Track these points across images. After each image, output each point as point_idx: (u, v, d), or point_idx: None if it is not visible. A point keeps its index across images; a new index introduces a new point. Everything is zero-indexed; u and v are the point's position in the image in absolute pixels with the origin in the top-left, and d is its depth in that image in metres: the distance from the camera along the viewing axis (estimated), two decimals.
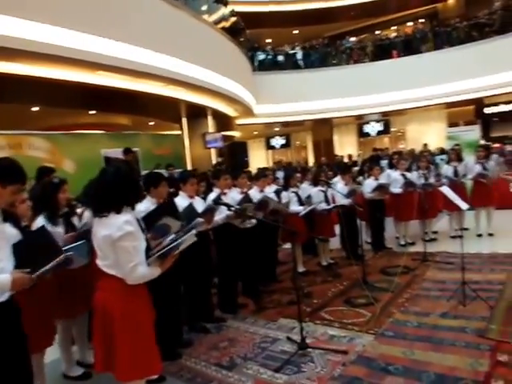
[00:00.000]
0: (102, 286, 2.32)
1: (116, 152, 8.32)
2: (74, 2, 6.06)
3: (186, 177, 4.33)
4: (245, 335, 4.00)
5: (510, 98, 15.34)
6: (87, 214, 3.60)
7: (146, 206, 3.53)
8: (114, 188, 2.27)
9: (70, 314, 3.37)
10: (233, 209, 4.00)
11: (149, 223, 2.66)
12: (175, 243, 2.30)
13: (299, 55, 16.76)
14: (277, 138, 21.28)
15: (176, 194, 4.32)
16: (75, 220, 3.56)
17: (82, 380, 3.39)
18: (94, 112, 11.02)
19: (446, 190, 4.80)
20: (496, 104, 15.91)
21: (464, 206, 4.61)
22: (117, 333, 2.20)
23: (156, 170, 7.43)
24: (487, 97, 15.17)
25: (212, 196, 4.52)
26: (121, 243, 2.19)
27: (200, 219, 3.90)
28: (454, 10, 18.03)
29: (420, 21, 18.70)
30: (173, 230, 2.51)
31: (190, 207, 3.88)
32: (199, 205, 4.23)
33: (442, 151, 11.08)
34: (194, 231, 2.40)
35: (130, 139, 10.70)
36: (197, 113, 11.60)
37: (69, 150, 8.65)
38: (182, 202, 4.02)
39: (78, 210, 3.74)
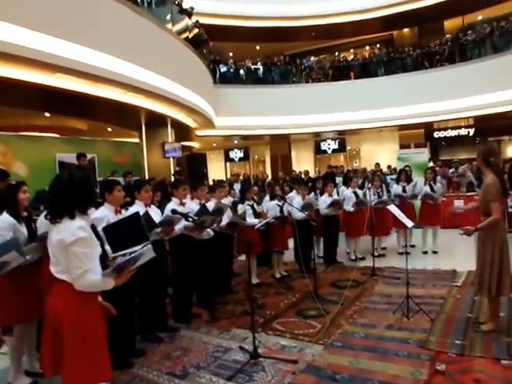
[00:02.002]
0: (54, 291, 2.31)
1: (71, 157, 8.12)
2: (35, 2, 5.91)
3: (141, 184, 4.31)
4: (198, 345, 4.02)
5: (457, 123, 16.29)
6: (41, 219, 3.57)
7: (103, 213, 3.53)
8: (67, 194, 2.28)
9: (26, 318, 3.31)
10: (191, 220, 4.05)
11: (110, 234, 2.69)
12: (131, 256, 2.32)
13: (260, 70, 17.02)
14: (236, 150, 21.37)
15: (132, 203, 4.30)
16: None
17: None
18: (49, 115, 10.58)
19: (393, 209, 5.07)
20: (444, 129, 16.82)
21: (409, 223, 4.87)
22: (66, 338, 2.19)
23: (112, 178, 7.37)
24: (436, 121, 16.00)
25: (170, 206, 4.52)
26: (72, 248, 2.19)
27: (157, 230, 3.92)
28: (408, 38, 18.94)
29: (377, 46, 19.50)
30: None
31: (146, 216, 3.88)
32: (155, 214, 4.23)
33: (394, 171, 11.56)
34: (150, 246, 2.44)
35: (87, 145, 10.41)
36: (156, 121, 11.47)
37: (21, 152, 8.34)
38: (137, 210, 4.01)
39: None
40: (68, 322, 2.20)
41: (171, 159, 12.48)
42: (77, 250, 2.19)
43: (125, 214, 3.85)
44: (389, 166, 13.89)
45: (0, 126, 9.82)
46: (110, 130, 12.92)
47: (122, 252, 2.61)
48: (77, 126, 12.27)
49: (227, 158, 21.78)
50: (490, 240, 3.70)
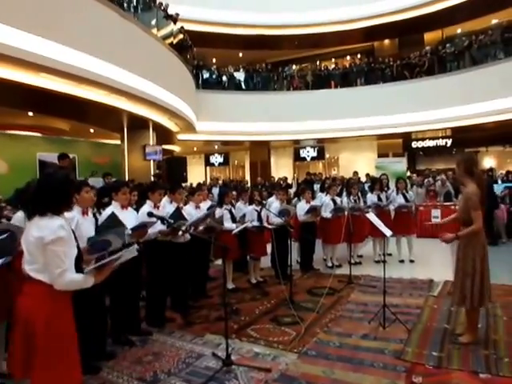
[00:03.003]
0: (26, 291, 2.23)
1: (52, 156, 8.09)
2: (21, 2, 5.83)
3: (118, 185, 4.22)
4: (170, 350, 3.91)
5: (435, 134, 16.56)
6: (17, 217, 3.50)
7: (72, 214, 3.39)
8: (51, 192, 2.26)
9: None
10: (167, 223, 3.92)
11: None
12: (115, 256, 2.33)
13: (242, 77, 17.07)
14: (216, 155, 21.33)
15: (109, 204, 4.19)
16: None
17: None
18: (32, 114, 10.50)
19: (371, 217, 5.03)
20: (422, 139, 17.08)
21: (388, 232, 4.83)
22: (39, 339, 2.12)
23: (92, 178, 7.25)
24: (414, 132, 16.24)
25: (145, 208, 4.39)
26: (52, 247, 2.15)
27: (128, 232, 3.80)
28: (389, 49, 19.28)
29: (358, 56, 19.74)
30: (113, 245, 2.53)
31: (113, 216, 3.79)
32: (131, 216, 4.15)
33: (372, 180, 11.63)
34: (135, 246, 2.39)
35: (68, 145, 10.44)
36: (138, 124, 11.38)
37: (2, 149, 8.24)
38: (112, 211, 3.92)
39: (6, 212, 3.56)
40: (41, 322, 2.13)
41: (152, 162, 12.38)
42: (57, 248, 2.16)
43: (91, 216, 3.76)
44: (367, 175, 13.99)
45: None
46: (92, 131, 12.88)
47: (102, 253, 2.52)
48: (60, 126, 12.24)
49: (207, 163, 21.74)
50: (471, 250, 3.66)
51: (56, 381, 2.17)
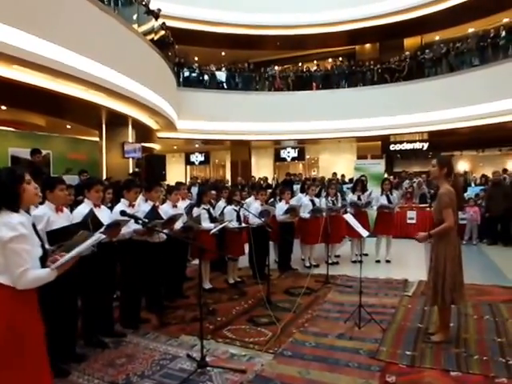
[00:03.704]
0: None
1: (25, 152, 7.89)
2: None
3: (91, 183, 4.12)
4: (144, 352, 3.84)
5: (412, 137, 16.85)
6: None
7: (43, 210, 3.36)
8: (4, 188, 2.13)
9: None
10: (141, 222, 3.86)
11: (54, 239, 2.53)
12: (74, 252, 2.21)
13: (224, 76, 17.04)
14: (196, 154, 21.23)
15: (82, 201, 4.11)
16: None
17: None
18: (5, 108, 10.26)
19: (348, 218, 5.08)
20: (400, 142, 17.34)
21: (364, 233, 4.89)
22: (0, 344, 2.01)
23: (67, 175, 7.12)
24: (393, 135, 16.49)
25: (118, 207, 4.31)
26: (11, 245, 2.02)
27: (100, 234, 3.74)
28: (370, 53, 19.50)
29: (339, 59, 19.92)
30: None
31: (91, 214, 3.72)
32: (105, 214, 4.06)
33: (351, 181, 11.77)
34: (89, 241, 2.30)
35: (43, 140, 10.17)
36: (117, 121, 11.20)
37: None
38: (85, 210, 3.86)
39: None
40: (3, 326, 2.01)
41: (130, 160, 12.22)
42: (17, 246, 2.02)
43: (67, 212, 3.70)
44: (342, 175, 14.17)
45: None
46: (69, 127, 12.59)
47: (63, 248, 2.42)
48: (35, 121, 11.95)
49: (188, 161, 21.61)
50: (442, 250, 3.73)
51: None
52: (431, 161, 3.95)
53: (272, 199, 7.44)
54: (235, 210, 6.09)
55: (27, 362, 2.09)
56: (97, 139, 12.21)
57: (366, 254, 7.66)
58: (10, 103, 9.56)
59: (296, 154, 19.24)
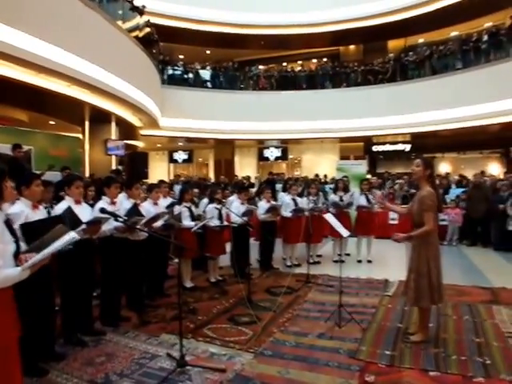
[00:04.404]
0: None
1: (6, 147, 7.70)
2: None
3: (71, 179, 4.06)
4: (124, 350, 3.79)
5: (394, 139, 17.02)
6: None
7: (19, 207, 3.25)
8: None
9: None
10: (121, 220, 3.79)
11: (29, 233, 2.46)
12: (46, 251, 2.15)
13: (208, 75, 16.98)
14: (180, 152, 21.11)
15: (63, 198, 4.04)
16: None
17: None
18: None
19: (329, 218, 5.08)
20: (383, 143, 17.50)
21: (345, 233, 4.90)
22: None
23: (49, 172, 7.00)
24: (375, 136, 16.64)
25: (100, 204, 4.24)
26: None
27: (82, 227, 3.67)
28: (354, 54, 19.66)
29: (324, 59, 20.01)
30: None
31: (69, 212, 3.65)
32: (85, 211, 4.01)
33: (333, 181, 11.83)
34: (62, 241, 2.22)
35: (25, 136, 10.07)
36: (101, 118, 11.11)
37: None
38: (65, 206, 3.78)
39: None
40: None
41: (113, 157, 12.12)
42: None
43: (43, 210, 3.61)
44: (325, 176, 14.23)
45: None
46: (52, 123, 12.42)
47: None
48: (17, 116, 11.70)
49: (171, 159, 21.47)
50: (424, 251, 3.74)
51: None
52: (414, 161, 3.97)
53: (256, 198, 7.41)
54: (217, 209, 6.05)
55: None
56: (79, 136, 12.09)
57: (348, 254, 7.70)
58: None
59: (279, 154, 19.28)
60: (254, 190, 10.38)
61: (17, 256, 2.15)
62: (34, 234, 2.62)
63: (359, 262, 7.44)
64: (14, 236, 2.23)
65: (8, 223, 2.24)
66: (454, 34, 16.49)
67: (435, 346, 3.75)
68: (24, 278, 2.11)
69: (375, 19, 16.35)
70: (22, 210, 3.22)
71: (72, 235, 2.21)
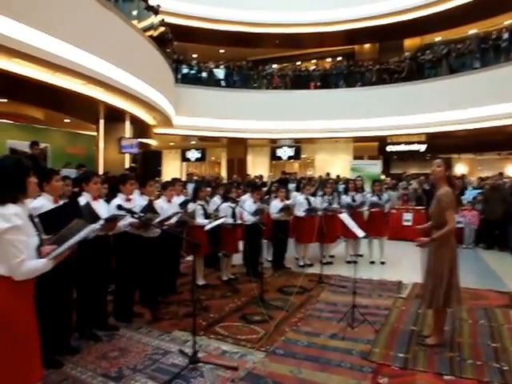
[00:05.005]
0: None
1: (23, 144, 7.93)
2: None
3: (88, 176, 4.11)
4: (137, 346, 3.82)
5: (410, 139, 16.78)
6: None
7: (41, 202, 3.35)
8: (2, 180, 2.11)
9: None
10: (136, 216, 3.82)
11: (46, 222, 2.48)
12: (70, 242, 2.23)
13: (222, 74, 17.00)
14: (193, 151, 21.14)
15: (80, 194, 4.08)
16: None
17: None
18: (5, 100, 10.26)
19: (344, 218, 5.04)
20: (397, 143, 17.27)
21: (361, 233, 4.86)
22: None
23: (65, 169, 7.11)
24: (390, 136, 16.44)
25: (116, 201, 4.29)
26: (7, 236, 2.02)
27: (100, 223, 3.70)
28: (369, 53, 19.46)
29: (338, 58, 19.88)
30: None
31: (88, 207, 3.67)
32: (103, 207, 4.07)
33: (345, 180, 11.75)
34: (85, 231, 2.28)
35: (41, 133, 10.29)
36: (115, 116, 11.21)
37: None
38: (83, 202, 3.82)
39: None
40: None
41: (127, 155, 12.25)
42: (12, 237, 2.03)
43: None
44: (337, 176, 14.12)
45: None
46: (67, 121, 12.61)
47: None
48: (33, 114, 12.01)
49: (184, 158, 21.52)
50: (443, 253, 3.69)
51: (14, 378, 2.06)
52: (431, 162, 3.93)
53: (267, 196, 7.40)
54: (231, 207, 6.05)
55: (19, 352, 2.07)
56: (94, 134, 12.19)
57: (361, 255, 7.64)
58: (10, 96, 9.57)
59: (292, 153, 19.17)
60: (265, 189, 10.37)
61: (39, 248, 2.20)
62: (51, 221, 2.66)
63: (372, 263, 7.39)
64: (36, 229, 2.28)
65: (31, 217, 2.28)
66: (472, 32, 16.20)
67: (450, 349, 3.70)
68: (48, 269, 2.17)
69: (391, 17, 16.15)
70: (43, 204, 3.31)
71: (94, 225, 2.26)
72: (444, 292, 3.64)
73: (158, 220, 4.53)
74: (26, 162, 2.24)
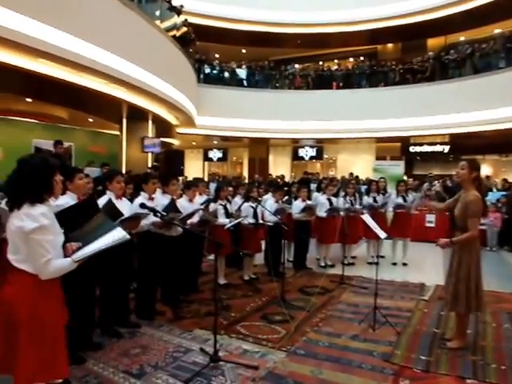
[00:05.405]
0: (11, 280, 2.14)
1: (48, 143, 8.07)
2: None
3: (112, 174, 4.18)
4: (158, 343, 3.88)
5: (433, 140, 16.56)
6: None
7: (65, 200, 3.38)
8: (23, 179, 2.14)
9: None
10: (159, 215, 3.88)
11: (64, 219, 2.53)
12: (96, 247, 2.22)
13: (244, 73, 17.07)
14: (215, 150, 21.30)
15: (103, 193, 4.16)
16: None
17: None
18: (30, 100, 10.50)
19: (366, 218, 5.02)
20: (420, 144, 17.06)
21: (382, 234, 4.82)
22: (22, 332, 2.05)
23: (89, 168, 7.26)
24: (413, 136, 16.24)
25: (138, 200, 4.34)
26: (34, 236, 2.06)
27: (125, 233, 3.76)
28: (392, 53, 19.27)
29: (361, 58, 19.72)
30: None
31: (110, 204, 3.75)
32: (126, 206, 4.11)
33: (367, 181, 11.66)
34: (113, 239, 2.28)
35: (65, 132, 10.47)
36: (138, 115, 11.38)
37: None
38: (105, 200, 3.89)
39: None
40: (25, 314, 2.06)
41: (149, 154, 12.39)
42: (39, 237, 2.07)
43: None
44: (356, 177, 13.99)
45: None
46: (91, 120, 12.82)
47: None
48: (58, 113, 12.20)
49: (206, 158, 21.70)
50: (466, 256, 3.65)
51: (41, 373, 2.11)
52: (455, 163, 3.89)
53: (287, 197, 7.44)
54: (252, 207, 6.09)
55: (46, 348, 2.12)
56: (117, 133, 12.40)
57: (383, 256, 7.57)
58: (35, 95, 9.74)
59: (314, 153, 19.13)
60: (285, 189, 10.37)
61: (64, 246, 2.23)
62: (68, 219, 2.70)
63: (394, 264, 7.33)
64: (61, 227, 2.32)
65: (56, 215, 2.32)
66: (497, 31, 15.86)
67: (473, 353, 3.66)
68: (73, 268, 2.20)
69: (414, 17, 15.95)
70: (67, 202, 3.32)
71: (123, 234, 2.28)
72: (468, 296, 3.60)
73: (180, 217, 4.57)
74: (52, 160, 2.26)
